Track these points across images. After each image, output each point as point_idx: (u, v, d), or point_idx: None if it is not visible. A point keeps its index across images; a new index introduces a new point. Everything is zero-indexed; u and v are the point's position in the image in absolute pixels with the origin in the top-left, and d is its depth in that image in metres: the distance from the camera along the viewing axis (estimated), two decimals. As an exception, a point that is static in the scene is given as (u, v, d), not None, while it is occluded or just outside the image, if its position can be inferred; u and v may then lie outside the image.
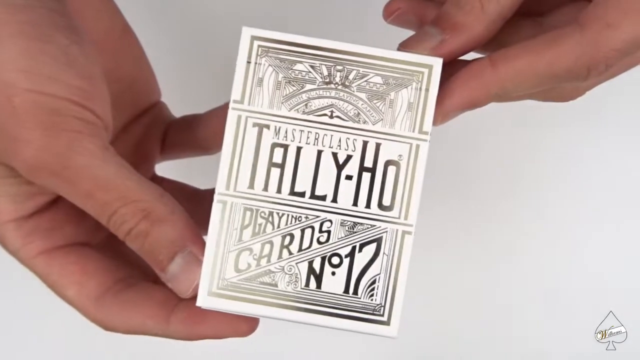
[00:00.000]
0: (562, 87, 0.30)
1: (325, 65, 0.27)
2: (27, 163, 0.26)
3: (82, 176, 0.27)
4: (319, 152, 0.27)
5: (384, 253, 0.27)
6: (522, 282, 0.48)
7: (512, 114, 0.47)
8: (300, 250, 0.27)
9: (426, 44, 0.28)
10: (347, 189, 0.27)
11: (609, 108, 0.48)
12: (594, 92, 0.31)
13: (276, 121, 0.27)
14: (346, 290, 0.27)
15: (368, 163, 0.28)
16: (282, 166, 0.27)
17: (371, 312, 0.27)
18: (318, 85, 0.27)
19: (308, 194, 0.27)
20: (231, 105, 0.27)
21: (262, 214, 0.27)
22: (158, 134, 0.36)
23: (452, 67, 0.28)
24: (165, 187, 0.29)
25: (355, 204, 0.27)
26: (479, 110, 0.29)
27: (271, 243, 0.27)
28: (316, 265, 0.27)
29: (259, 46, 0.27)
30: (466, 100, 0.28)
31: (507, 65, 0.27)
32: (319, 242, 0.27)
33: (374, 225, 0.27)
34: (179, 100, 0.38)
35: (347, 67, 0.27)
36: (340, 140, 0.27)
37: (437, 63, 0.27)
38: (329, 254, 0.27)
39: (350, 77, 0.27)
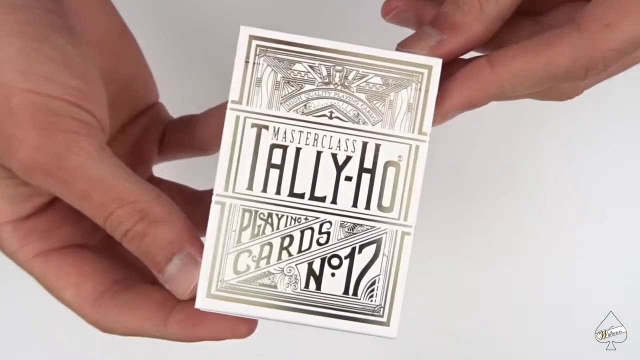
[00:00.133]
0: (560, 87, 0.30)
1: (325, 65, 0.27)
2: (23, 163, 0.26)
3: (77, 177, 0.27)
4: (319, 153, 0.27)
5: (383, 254, 0.27)
6: (522, 282, 0.48)
7: (511, 114, 0.47)
8: (299, 251, 0.27)
9: (425, 44, 0.28)
10: (346, 190, 0.27)
11: (610, 108, 0.48)
12: (594, 92, 0.31)
13: (275, 122, 0.27)
14: (346, 292, 0.27)
15: (368, 164, 0.27)
16: (281, 167, 0.27)
17: (371, 313, 0.27)
18: (317, 86, 0.27)
19: (307, 195, 0.27)
20: (229, 105, 0.27)
21: (261, 216, 0.27)
22: (155, 134, 0.36)
23: (450, 67, 0.28)
24: (162, 188, 0.29)
25: (354, 205, 0.27)
26: (478, 110, 0.29)
27: (270, 244, 0.27)
28: (316, 267, 0.27)
29: (257, 46, 0.27)
30: (465, 101, 0.28)
31: (506, 66, 0.27)
32: (319, 244, 0.27)
33: (374, 227, 0.27)
34: (177, 101, 0.38)
35: (347, 67, 0.27)
36: (339, 141, 0.27)
37: (437, 64, 0.27)
38: (328, 255, 0.27)
39: (350, 77, 0.27)
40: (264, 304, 0.27)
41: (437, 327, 0.49)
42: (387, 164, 0.27)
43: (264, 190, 0.27)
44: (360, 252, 0.27)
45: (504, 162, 0.48)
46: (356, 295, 0.27)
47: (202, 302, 0.27)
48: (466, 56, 0.29)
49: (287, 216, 0.27)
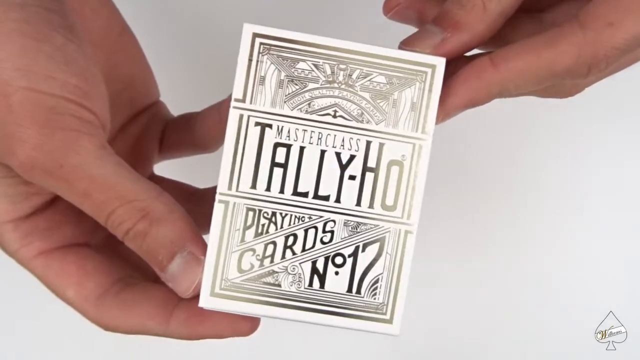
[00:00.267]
0: (562, 84, 0.30)
1: (329, 64, 0.27)
2: (23, 162, 0.26)
3: (78, 175, 0.26)
4: (322, 152, 0.27)
5: (386, 253, 0.27)
6: (522, 281, 0.48)
7: (513, 113, 0.47)
8: (303, 250, 0.27)
9: (428, 42, 0.28)
10: (350, 188, 0.27)
11: (611, 107, 0.48)
12: (595, 92, 0.31)
13: (279, 120, 0.27)
14: (349, 290, 0.27)
15: (371, 163, 0.27)
16: (285, 166, 0.27)
17: (374, 310, 0.27)
18: (321, 85, 0.27)
19: (311, 194, 0.27)
20: (232, 104, 0.27)
21: (265, 215, 0.27)
22: (156, 133, 0.36)
23: (453, 64, 0.28)
24: (164, 187, 0.29)
25: (358, 203, 0.27)
26: (481, 109, 0.29)
27: (274, 243, 0.27)
28: (319, 265, 0.27)
29: (261, 44, 0.27)
30: (468, 99, 0.28)
31: (508, 65, 0.27)
32: (323, 242, 0.27)
33: (377, 225, 0.27)
34: (178, 99, 0.38)
35: (351, 66, 0.27)
36: (343, 140, 0.27)
37: (441, 63, 0.27)
38: (332, 254, 0.27)
39: (354, 76, 0.27)
40: (268, 302, 0.27)
41: (439, 325, 0.49)
42: (391, 163, 0.27)
43: (268, 189, 0.27)
44: (363, 250, 0.27)
45: (507, 162, 0.48)
46: (359, 293, 0.27)
47: (206, 301, 0.27)
48: (468, 53, 0.29)
49: (291, 215, 0.27)
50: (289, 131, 0.27)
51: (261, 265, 0.27)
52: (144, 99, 0.35)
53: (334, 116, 0.27)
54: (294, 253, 0.27)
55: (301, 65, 0.27)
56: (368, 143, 0.27)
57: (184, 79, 0.46)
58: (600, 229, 0.48)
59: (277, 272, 0.27)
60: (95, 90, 0.28)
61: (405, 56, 0.27)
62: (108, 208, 0.27)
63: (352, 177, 0.27)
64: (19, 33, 0.26)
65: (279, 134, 0.27)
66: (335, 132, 0.27)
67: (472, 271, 0.49)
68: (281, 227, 0.27)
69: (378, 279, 0.27)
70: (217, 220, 0.27)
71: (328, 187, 0.27)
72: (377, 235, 0.27)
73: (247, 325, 0.28)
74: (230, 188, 0.27)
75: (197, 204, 0.34)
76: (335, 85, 0.27)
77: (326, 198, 0.27)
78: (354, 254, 0.27)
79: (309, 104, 0.27)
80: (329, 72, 0.27)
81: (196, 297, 0.27)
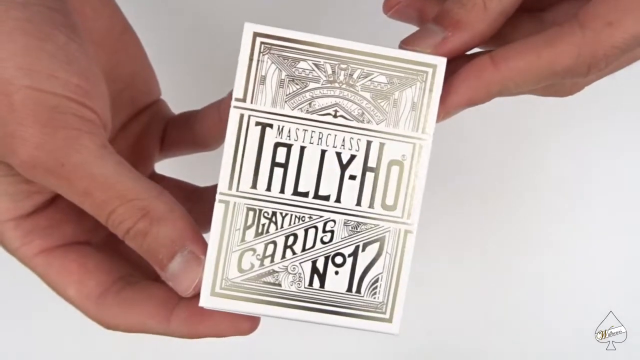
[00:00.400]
0: (561, 83, 0.30)
1: (330, 63, 0.27)
2: (24, 161, 0.26)
3: (79, 174, 0.26)
4: (323, 152, 0.27)
5: (386, 252, 0.27)
6: (522, 281, 0.49)
7: (514, 112, 0.47)
8: (303, 250, 0.27)
9: (429, 42, 0.28)
10: (350, 188, 0.27)
11: (610, 106, 0.48)
12: (595, 91, 0.31)
13: (279, 120, 0.27)
14: (349, 289, 0.27)
15: (372, 163, 0.27)
16: (285, 166, 0.27)
17: (374, 310, 0.27)
18: (322, 84, 0.27)
19: (312, 194, 0.27)
20: (233, 103, 0.27)
21: (265, 214, 0.27)
22: (157, 131, 0.36)
23: (453, 63, 0.28)
24: (164, 185, 0.29)
25: (358, 203, 0.27)
26: (481, 109, 0.29)
27: (274, 243, 0.27)
28: (320, 265, 0.27)
29: (262, 43, 0.27)
30: (468, 98, 0.28)
31: (509, 64, 0.27)
32: (323, 242, 0.27)
33: (377, 225, 0.27)
34: (179, 97, 0.38)
35: (352, 65, 0.27)
36: (344, 140, 0.27)
37: (442, 63, 0.27)
38: (332, 254, 0.27)
39: (355, 75, 0.27)
40: (268, 301, 0.27)
41: (439, 324, 0.49)
42: (391, 163, 0.27)
43: (268, 188, 0.27)
44: (363, 250, 0.27)
45: (507, 162, 0.48)
46: (359, 293, 0.27)
47: (207, 301, 0.27)
48: (468, 51, 0.29)
49: (291, 215, 0.27)
50: (289, 131, 0.27)
51: (261, 264, 0.27)
52: (145, 97, 0.35)
53: (335, 116, 0.27)
54: (294, 253, 0.27)
55: (302, 64, 0.27)
56: (368, 143, 0.27)
57: (185, 77, 0.46)
58: (601, 228, 0.48)
59: (277, 272, 0.27)
60: (97, 89, 0.28)
61: (406, 56, 0.27)
62: (109, 207, 0.27)
63: (352, 177, 0.27)
64: (21, 32, 0.26)
65: (279, 133, 0.27)
66: (336, 132, 0.27)
67: (472, 271, 0.49)
68: (281, 226, 0.27)
69: (378, 279, 0.27)
70: (218, 220, 0.27)
71: (328, 187, 0.27)
72: (377, 235, 0.27)
73: (247, 324, 0.28)
74: (230, 188, 0.27)
75: (197, 202, 0.34)
76: (336, 85, 0.27)
77: (326, 198, 0.27)
78: (354, 254, 0.27)
79: (309, 103, 0.27)
80: (329, 71, 0.27)
81: (196, 296, 0.27)
